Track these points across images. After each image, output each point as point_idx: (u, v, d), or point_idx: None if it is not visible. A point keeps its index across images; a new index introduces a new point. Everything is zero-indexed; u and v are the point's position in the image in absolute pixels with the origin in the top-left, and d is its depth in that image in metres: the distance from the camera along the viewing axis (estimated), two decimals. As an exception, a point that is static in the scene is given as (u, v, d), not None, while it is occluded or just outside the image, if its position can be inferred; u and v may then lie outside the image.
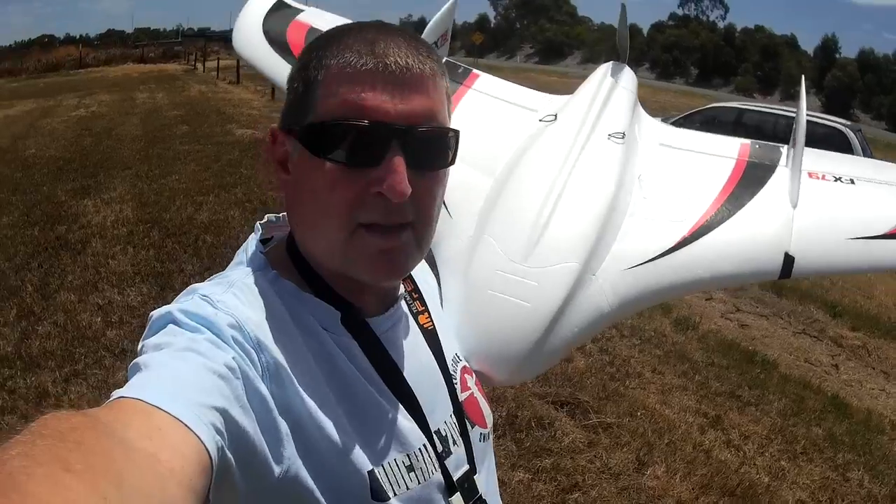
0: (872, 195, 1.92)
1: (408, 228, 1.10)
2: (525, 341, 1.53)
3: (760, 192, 1.89)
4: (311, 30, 2.50)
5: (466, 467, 1.27)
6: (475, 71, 2.43)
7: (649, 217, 1.82)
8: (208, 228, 8.80)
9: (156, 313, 1.03)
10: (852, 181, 1.95)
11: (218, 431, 0.84)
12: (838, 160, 2.10)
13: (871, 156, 15.13)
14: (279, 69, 2.37)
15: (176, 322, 0.99)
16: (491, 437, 1.42)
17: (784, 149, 2.08)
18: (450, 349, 1.39)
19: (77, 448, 0.64)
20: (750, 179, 1.94)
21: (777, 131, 14.49)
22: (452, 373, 1.35)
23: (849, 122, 15.95)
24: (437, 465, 1.20)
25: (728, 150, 2.09)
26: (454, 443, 1.26)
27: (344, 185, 1.05)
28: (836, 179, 1.96)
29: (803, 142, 2.01)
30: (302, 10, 2.66)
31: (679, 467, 5.01)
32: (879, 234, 1.77)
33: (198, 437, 0.79)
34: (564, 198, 1.73)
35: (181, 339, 0.95)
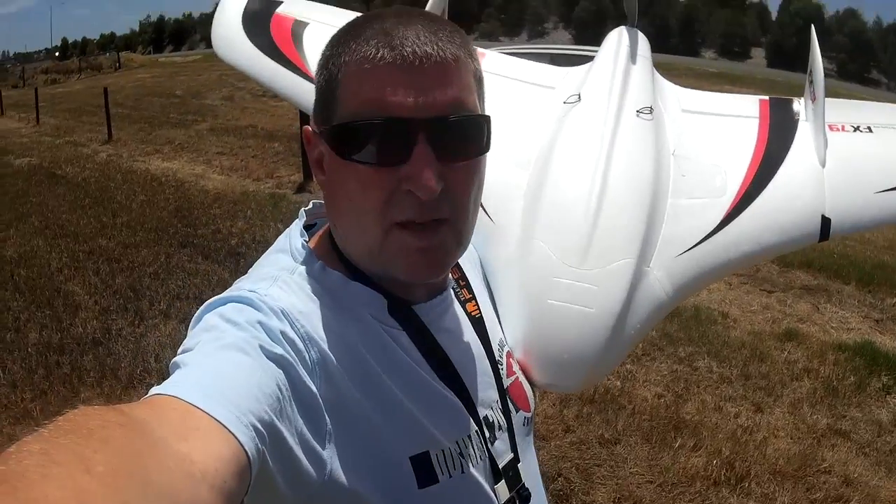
0: (891, 142, 1.92)
1: (444, 224, 1.06)
2: (593, 348, 1.47)
3: (789, 155, 1.87)
4: (297, 22, 2.33)
5: (511, 455, 1.26)
6: (480, 50, 2.08)
7: (691, 195, 1.77)
8: (19, 263, 8.45)
9: (201, 309, 1.01)
10: (870, 129, 1.96)
11: (258, 434, 0.81)
12: (853, 108, 2.08)
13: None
14: (269, 73, 2.23)
15: (222, 317, 0.96)
16: (532, 422, 1.40)
17: (801, 102, 2.05)
18: (495, 335, 1.36)
19: (102, 447, 0.61)
20: (776, 141, 1.92)
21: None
22: (499, 358, 1.33)
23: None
24: (485, 452, 1.19)
25: (749, 110, 2.05)
26: (500, 429, 1.25)
27: (375, 185, 1.02)
28: (856, 129, 1.96)
29: (824, 97, 1.97)
30: (281, 2, 2.44)
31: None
32: None
33: (236, 438, 0.77)
34: (608, 190, 1.65)
35: (226, 336, 0.92)
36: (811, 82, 2.05)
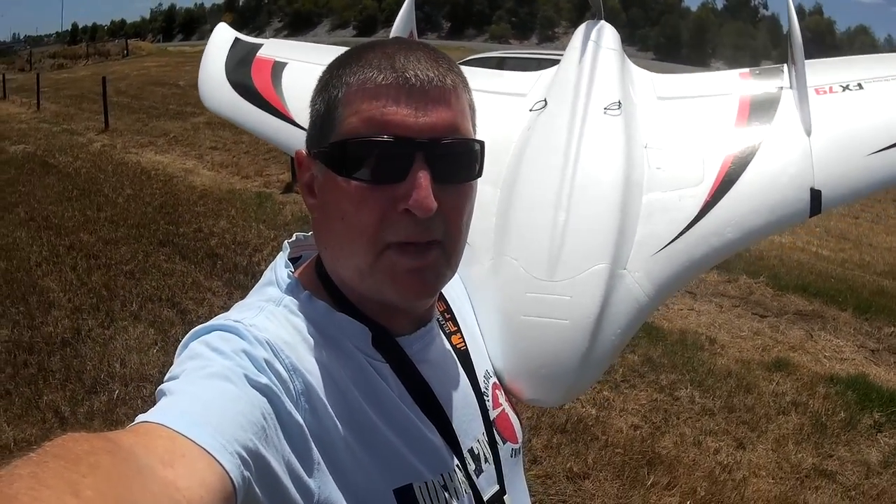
0: (884, 96, 1.84)
1: (437, 246, 1.09)
2: (572, 360, 1.46)
3: (772, 128, 1.81)
4: (276, 64, 2.38)
5: (497, 487, 1.27)
6: None
7: (666, 188, 1.72)
8: (0, 255, 8.40)
9: (187, 337, 1.03)
10: (860, 85, 1.87)
11: (244, 462, 0.83)
12: (842, 65, 1.99)
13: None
14: (252, 119, 2.25)
15: (208, 346, 0.98)
16: (521, 452, 1.42)
17: (785, 68, 1.98)
18: (481, 366, 1.38)
19: (91, 472, 0.63)
20: (758, 115, 1.85)
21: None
22: (484, 390, 1.34)
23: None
24: (469, 486, 1.20)
25: (728, 87, 1.99)
26: (486, 461, 1.26)
27: (370, 204, 1.04)
28: (844, 88, 1.88)
29: (803, 60, 1.89)
30: (261, 45, 2.52)
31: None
32: None
33: (222, 466, 0.79)
34: (576, 196, 1.63)
35: (212, 365, 0.93)
36: (791, 46, 1.95)
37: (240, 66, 2.42)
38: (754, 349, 6.84)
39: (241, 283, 7.25)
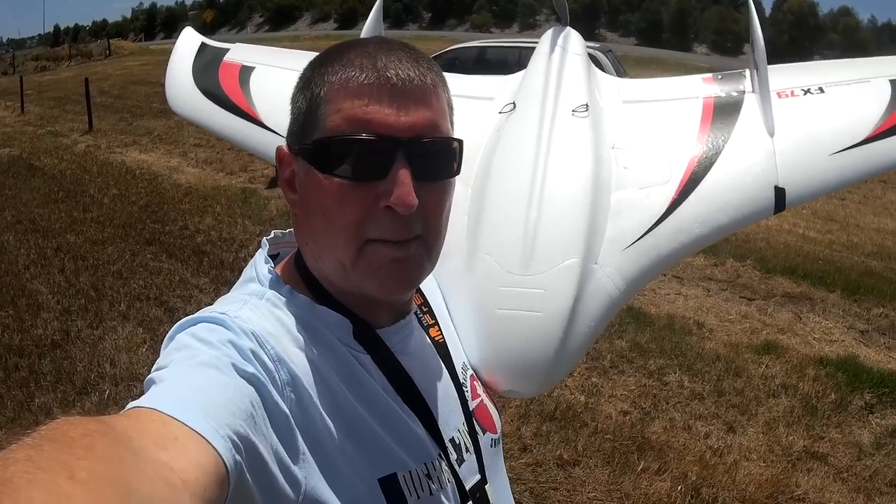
0: (844, 99, 1.91)
1: (417, 240, 1.11)
2: (546, 351, 1.50)
3: (735, 129, 1.87)
4: (244, 68, 2.40)
5: (478, 477, 1.29)
6: None
7: (635, 186, 1.78)
8: (-15, 258, 8.34)
9: (173, 330, 1.04)
10: (821, 89, 1.94)
11: (236, 446, 0.84)
12: (803, 70, 2.07)
13: (624, 74, 15.34)
14: (220, 123, 2.27)
15: (194, 337, 0.99)
16: (501, 442, 1.44)
17: (747, 73, 2.05)
18: (458, 358, 1.40)
19: (86, 455, 0.63)
20: (722, 117, 1.91)
21: (522, 63, 14.39)
22: (463, 381, 1.37)
23: (598, 45, 16.01)
24: (451, 475, 1.21)
25: (692, 90, 2.05)
26: (467, 450, 1.28)
27: (352, 201, 1.07)
28: (806, 92, 1.95)
29: (766, 65, 1.96)
30: (227, 49, 2.55)
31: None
32: (860, 140, 1.78)
33: (215, 448, 0.79)
34: (546, 194, 1.68)
35: (200, 355, 0.94)
36: (753, 51, 2.01)
37: (207, 70, 2.45)
38: (743, 332, 6.86)
39: (227, 279, 7.17)
